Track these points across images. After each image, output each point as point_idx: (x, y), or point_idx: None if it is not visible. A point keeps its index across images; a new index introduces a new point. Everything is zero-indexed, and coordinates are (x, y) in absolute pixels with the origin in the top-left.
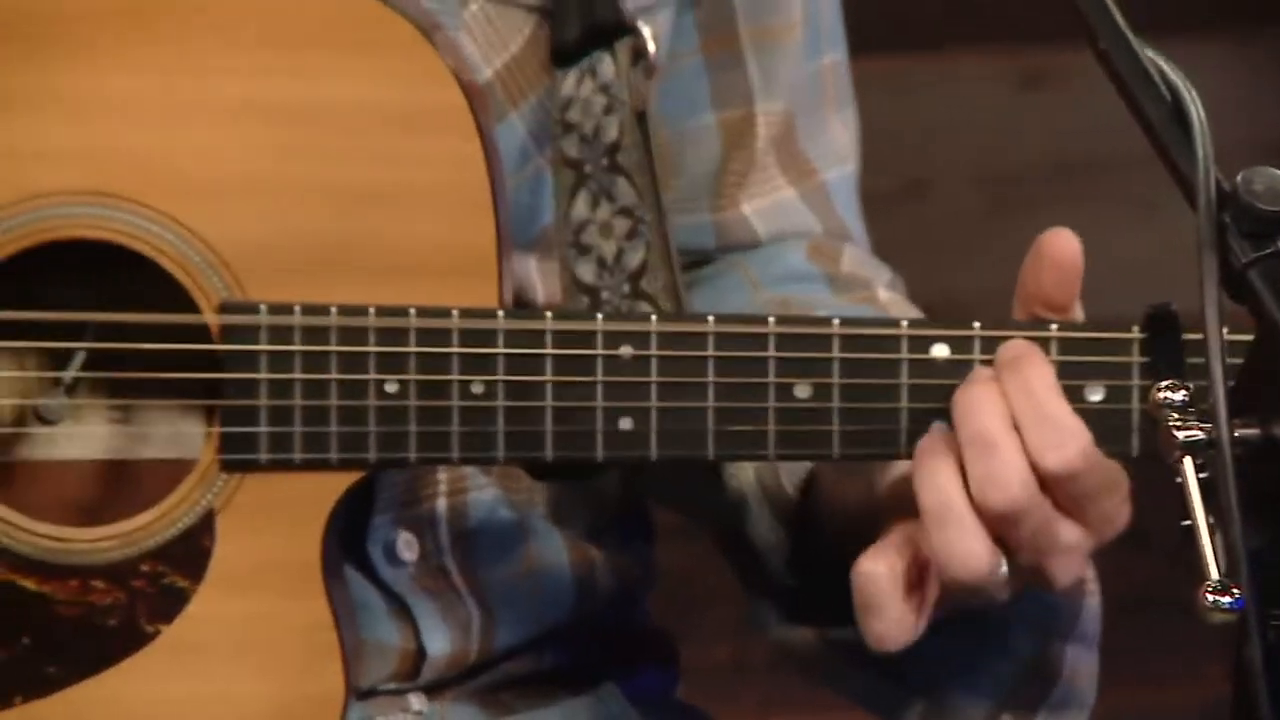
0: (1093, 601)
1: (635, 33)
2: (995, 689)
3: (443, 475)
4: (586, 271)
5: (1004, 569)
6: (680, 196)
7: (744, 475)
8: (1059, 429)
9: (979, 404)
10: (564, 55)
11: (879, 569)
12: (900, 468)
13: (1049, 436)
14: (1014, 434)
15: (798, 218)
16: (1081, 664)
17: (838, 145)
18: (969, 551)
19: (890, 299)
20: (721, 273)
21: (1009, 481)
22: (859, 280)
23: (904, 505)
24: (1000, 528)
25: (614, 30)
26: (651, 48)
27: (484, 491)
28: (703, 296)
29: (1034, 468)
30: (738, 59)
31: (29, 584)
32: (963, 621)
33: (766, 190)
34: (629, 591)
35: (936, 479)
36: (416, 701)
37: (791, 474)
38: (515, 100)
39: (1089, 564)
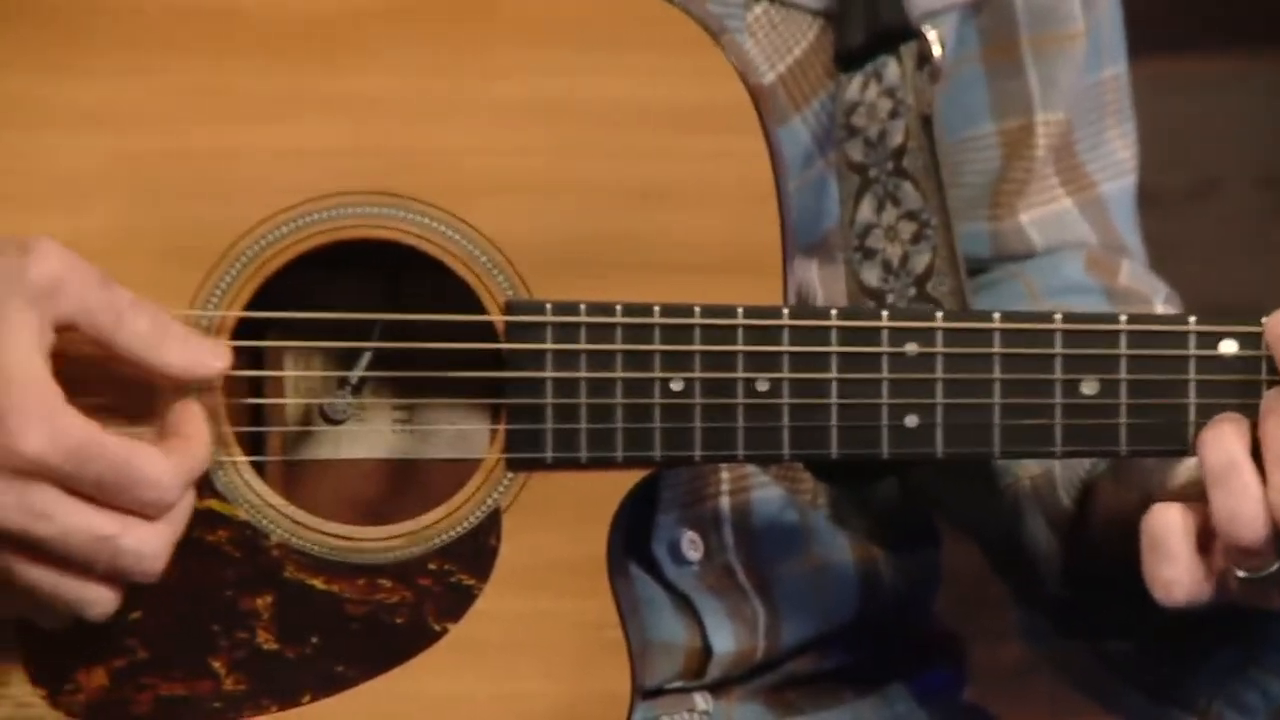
0: None
1: (921, 37)
2: (1266, 706)
3: (725, 474)
4: (872, 275)
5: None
6: (957, 204)
7: (1019, 484)
8: None
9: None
10: (849, 59)
11: (1171, 514)
12: (1180, 476)
13: None
14: None
15: (1075, 229)
16: None
17: (1117, 158)
18: (1250, 514)
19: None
20: (999, 281)
21: None
22: (1137, 294)
23: None
24: None
25: (900, 34)
26: (937, 51)
27: (767, 490)
28: (981, 304)
29: None
30: (1018, 67)
31: (317, 583)
32: (1235, 639)
33: (1044, 200)
34: (914, 592)
35: (1222, 440)
36: (702, 700)
37: (1067, 483)
38: (799, 104)
39: None
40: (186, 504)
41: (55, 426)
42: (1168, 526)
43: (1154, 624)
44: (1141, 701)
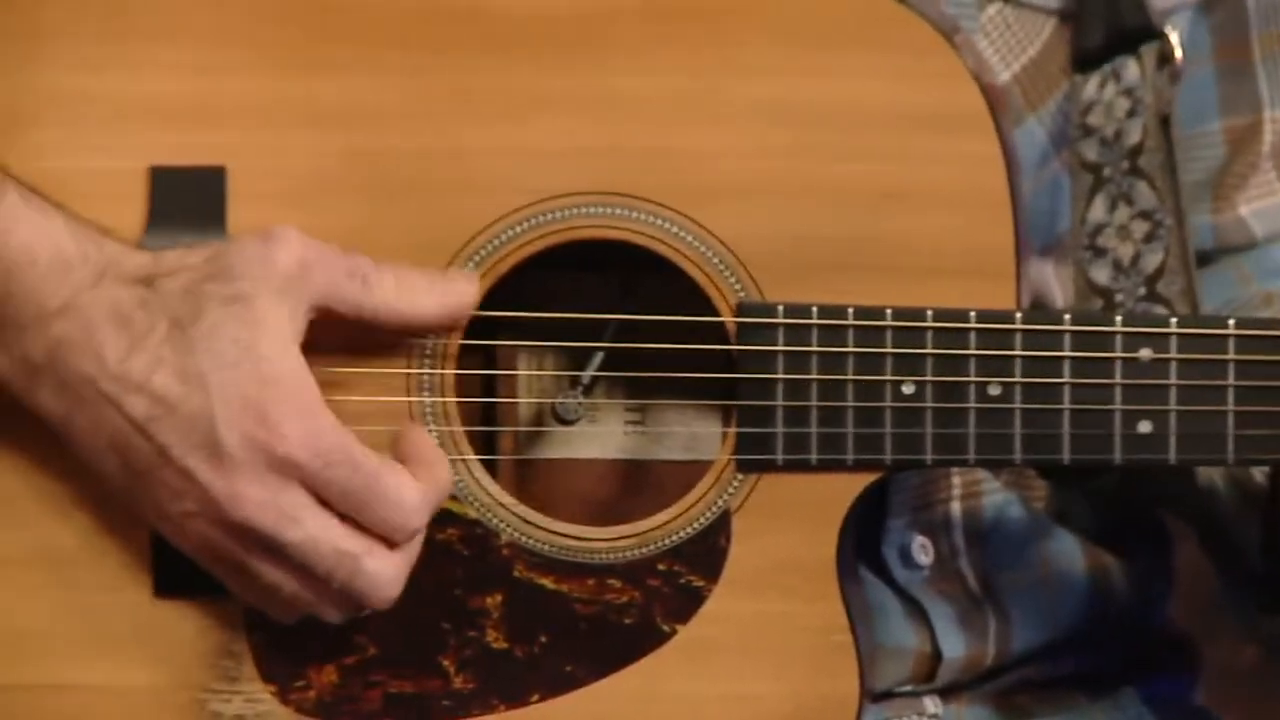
0: None
1: (1162, 37)
2: None
3: (957, 478)
4: (1101, 274)
5: None
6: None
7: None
8: None
9: None
10: (1086, 59)
11: None
12: None
13: None
14: None
15: None
16: None
17: None
18: None
19: None
20: (1216, 271)
21: None
22: None
23: None
24: None
25: (1141, 35)
26: (1178, 53)
27: (998, 495)
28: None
29: None
30: (1248, 66)
31: (547, 582)
32: None
33: (1265, 193)
34: (1146, 596)
35: None
36: (932, 704)
37: None
38: (1034, 104)
39: None
40: (421, 536)
41: (312, 426)
42: None
43: None
44: None
